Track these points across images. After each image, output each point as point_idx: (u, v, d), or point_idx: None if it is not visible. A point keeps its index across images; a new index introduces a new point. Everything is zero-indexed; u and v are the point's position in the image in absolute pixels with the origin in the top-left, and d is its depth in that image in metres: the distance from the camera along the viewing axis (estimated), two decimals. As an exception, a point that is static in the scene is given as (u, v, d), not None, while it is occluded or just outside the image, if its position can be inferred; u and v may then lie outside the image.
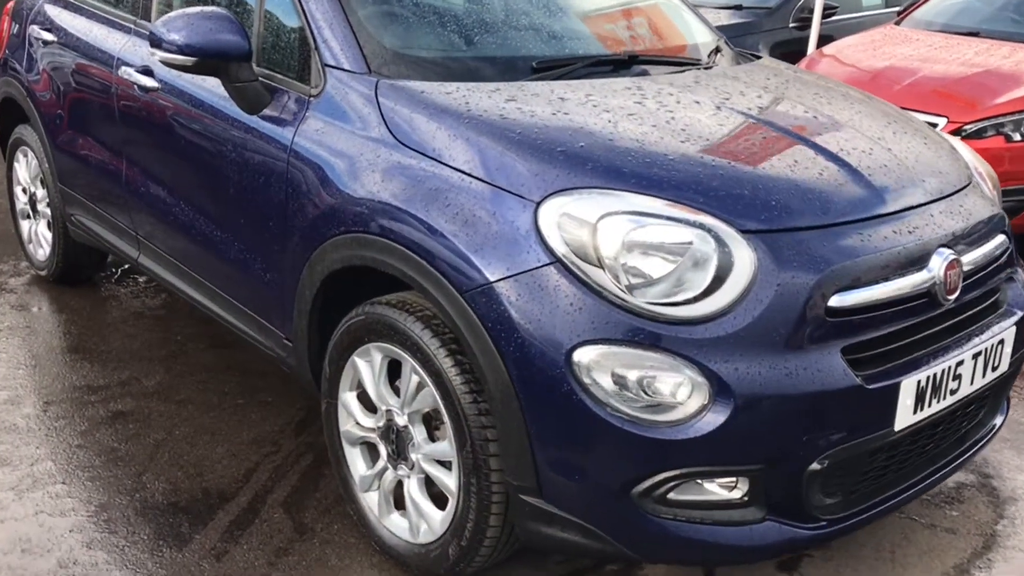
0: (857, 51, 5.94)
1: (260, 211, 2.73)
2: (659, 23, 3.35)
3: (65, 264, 4.27)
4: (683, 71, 2.89)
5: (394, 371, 2.45)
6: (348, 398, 2.57)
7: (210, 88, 2.90)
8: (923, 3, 6.54)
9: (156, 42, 2.70)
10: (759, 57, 3.33)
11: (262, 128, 2.70)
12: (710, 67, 3.00)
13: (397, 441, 2.45)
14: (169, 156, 3.16)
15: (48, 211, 4.22)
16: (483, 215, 2.15)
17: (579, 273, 2.04)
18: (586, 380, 2.00)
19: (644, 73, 2.79)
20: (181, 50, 2.65)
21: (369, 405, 2.53)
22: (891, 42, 5.97)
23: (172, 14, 2.70)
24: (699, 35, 3.31)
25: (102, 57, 3.47)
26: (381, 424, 2.48)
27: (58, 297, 4.27)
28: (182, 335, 3.91)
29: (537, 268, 2.06)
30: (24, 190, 4.42)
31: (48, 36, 3.85)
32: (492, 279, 2.09)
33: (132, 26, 3.40)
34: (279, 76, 2.73)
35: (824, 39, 6.72)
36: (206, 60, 2.65)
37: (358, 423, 2.56)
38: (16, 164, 4.42)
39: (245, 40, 2.66)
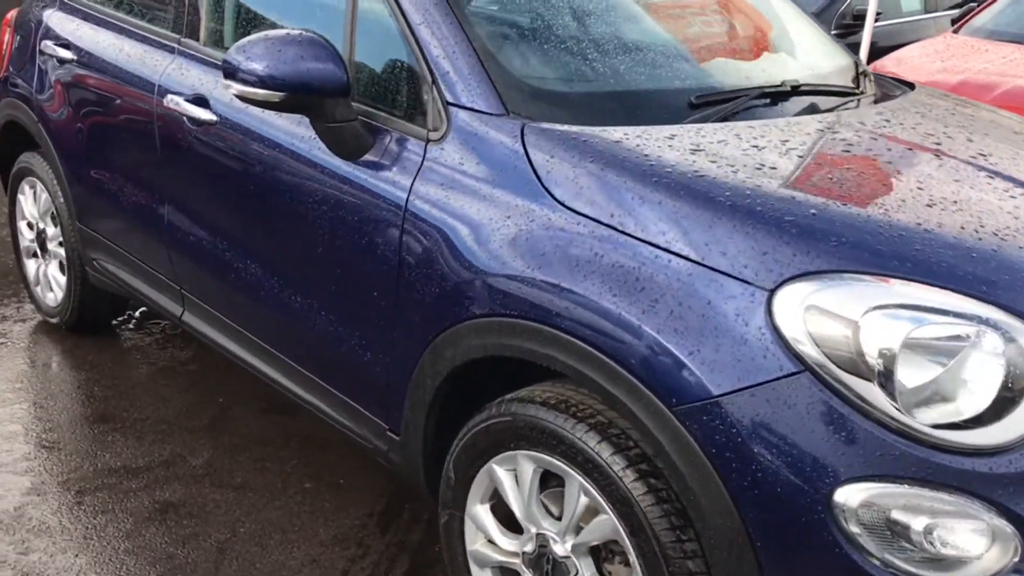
0: (922, 63, 5.54)
1: (361, 278, 2.25)
2: (792, 39, 2.91)
3: (81, 312, 3.74)
4: (854, 103, 2.45)
5: (545, 479, 1.99)
6: (480, 512, 2.08)
7: (286, 127, 2.42)
8: (980, 11, 6.18)
9: (231, 72, 2.21)
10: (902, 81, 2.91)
11: (364, 179, 2.21)
12: (877, 98, 2.57)
13: (553, 574, 1.99)
14: (229, 202, 2.67)
15: (61, 251, 3.70)
16: (694, 305, 1.68)
17: (838, 386, 1.58)
18: (853, 529, 1.55)
19: (818, 108, 2.35)
20: (263, 82, 2.16)
21: (511, 523, 2.07)
22: (958, 53, 5.59)
23: (251, 39, 2.21)
24: (835, 54, 2.87)
25: (138, 81, 2.96)
26: (530, 549, 2.00)
27: (73, 349, 3.75)
28: (224, 396, 3.41)
29: (780, 379, 1.60)
30: (31, 226, 3.89)
31: (65, 53, 3.32)
32: (717, 393, 1.62)
33: (175, 46, 2.89)
34: (383, 115, 2.24)
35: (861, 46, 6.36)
36: (295, 95, 2.17)
37: (495, 544, 2.09)
38: (21, 196, 3.89)
39: (343, 70, 2.18)
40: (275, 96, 2.17)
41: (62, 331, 3.86)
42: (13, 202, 3.95)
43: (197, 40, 2.83)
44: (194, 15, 2.86)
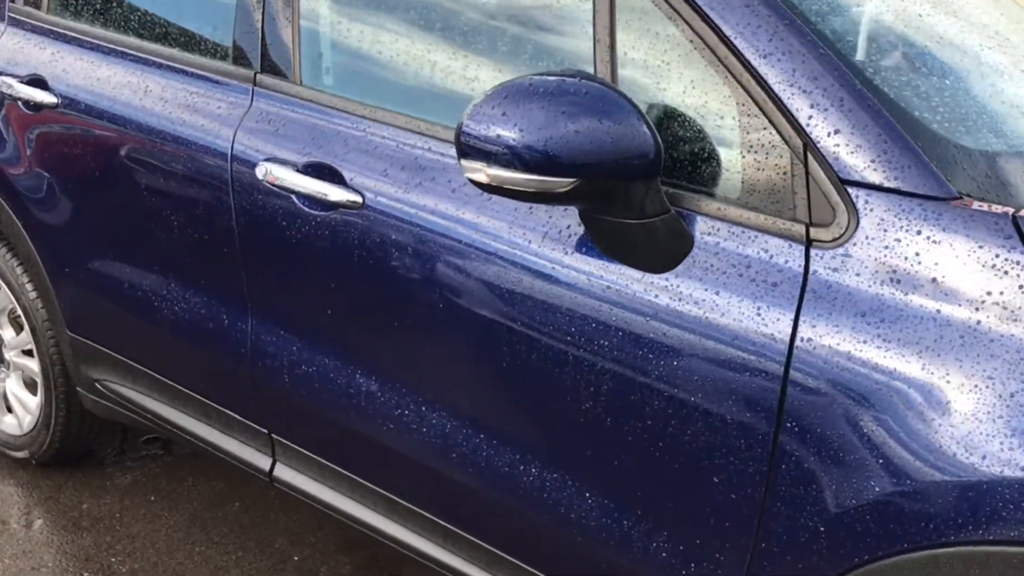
0: None
1: (683, 460, 1.45)
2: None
3: (64, 444, 2.75)
4: None
5: None
6: None
7: (500, 217, 1.59)
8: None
9: (475, 148, 1.37)
10: None
11: (690, 310, 1.40)
12: None
13: None
14: (382, 315, 1.77)
15: (28, 364, 2.70)
16: None
17: None
18: None
19: None
20: (538, 164, 1.32)
21: None
22: None
23: (505, 92, 1.36)
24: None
25: (192, 140, 2.00)
26: None
27: (56, 495, 2.72)
28: (296, 550, 2.53)
29: None
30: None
31: (42, 96, 2.30)
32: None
33: (249, 85, 1.98)
34: (704, 200, 1.44)
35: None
36: (594, 181, 1.36)
37: None
38: (-48, 286, 2.85)
39: (653, 136, 1.38)
40: (562, 184, 1.34)
41: (30, 468, 2.85)
42: (-60, 293, 2.90)
43: (284, 77, 1.93)
44: (278, 41, 1.96)
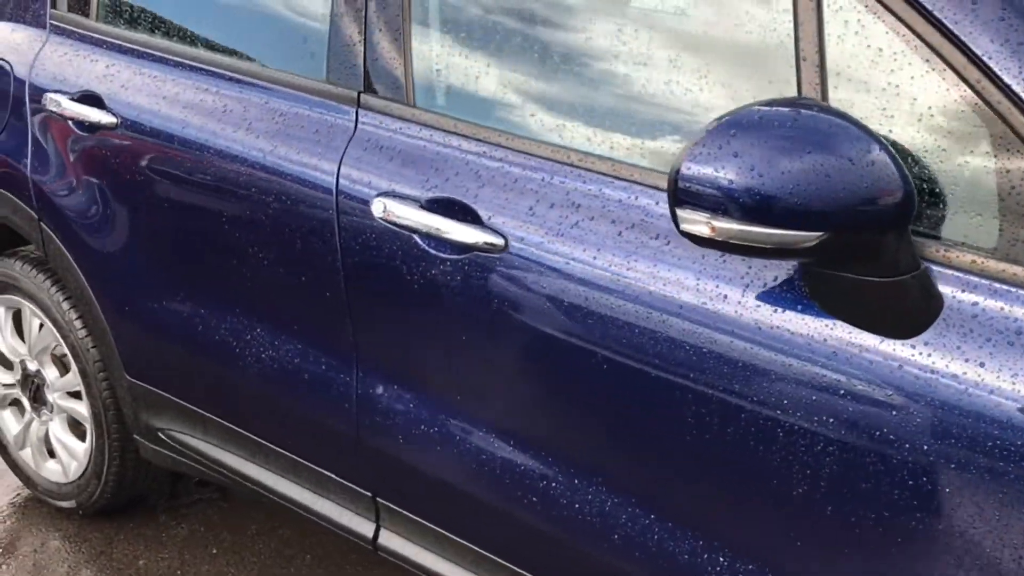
0: None
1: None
2: None
3: (117, 494, 2.50)
4: None
5: None
6: None
7: (682, 263, 1.34)
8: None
9: (697, 196, 1.13)
10: None
11: (948, 383, 1.16)
12: None
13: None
14: (535, 385, 1.54)
15: (78, 409, 2.42)
16: None
17: None
18: None
19: None
20: (786, 213, 1.10)
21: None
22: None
23: (727, 127, 1.12)
24: None
25: (288, 171, 1.74)
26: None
27: (108, 549, 2.44)
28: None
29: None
30: (9, 365, 2.57)
31: (99, 115, 2.03)
32: None
33: (351, 107, 1.72)
34: (968, 256, 1.20)
35: None
36: (844, 233, 1.13)
37: None
38: (-17, 321, 2.58)
39: (904, 175, 1.16)
40: (808, 239, 1.11)
41: (75, 518, 2.61)
42: (-30, 328, 2.63)
43: (401, 99, 1.66)
44: (384, 55, 1.72)
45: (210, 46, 1.97)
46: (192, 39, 2.00)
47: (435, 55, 1.67)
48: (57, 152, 2.14)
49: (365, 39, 1.71)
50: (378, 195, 1.63)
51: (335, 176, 1.69)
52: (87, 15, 2.18)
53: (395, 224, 1.60)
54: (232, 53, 1.93)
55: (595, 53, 1.52)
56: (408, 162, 1.63)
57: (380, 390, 1.74)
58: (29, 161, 2.19)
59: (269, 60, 1.88)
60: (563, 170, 1.48)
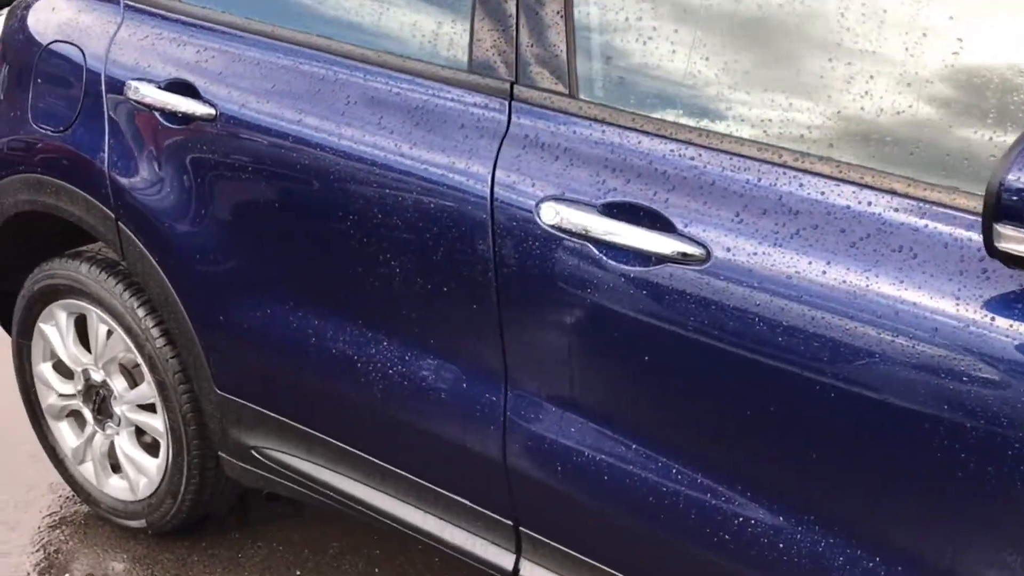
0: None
1: None
2: None
3: (192, 514, 2.32)
4: None
5: None
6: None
7: (935, 279, 1.18)
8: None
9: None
10: None
11: None
12: None
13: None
14: (740, 413, 1.36)
15: (150, 423, 2.23)
16: None
17: None
18: None
19: None
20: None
21: None
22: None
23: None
24: None
25: (425, 174, 1.57)
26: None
27: (182, 572, 2.26)
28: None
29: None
30: (67, 373, 2.37)
31: (196, 108, 1.83)
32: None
33: (503, 100, 1.53)
34: None
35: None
36: None
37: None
38: (43, 326, 2.37)
39: None
40: None
41: (142, 537, 2.42)
42: (28, 332, 2.42)
43: (563, 90, 1.48)
44: (542, 40, 1.54)
45: (324, 28, 1.79)
46: (302, 20, 1.82)
47: (604, 37, 1.50)
48: (141, 146, 1.95)
49: (517, 21, 1.54)
50: (544, 200, 1.46)
51: (489, 179, 1.51)
52: (169, -7, 2.00)
53: (566, 232, 1.43)
54: (351, 37, 1.75)
55: (813, 31, 1.36)
56: (577, 162, 1.46)
57: (534, 413, 1.58)
58: (106, 155, 2.00)
59: (396, 46, 1.70)
60: (774, 172, 1.32)
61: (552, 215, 1.43)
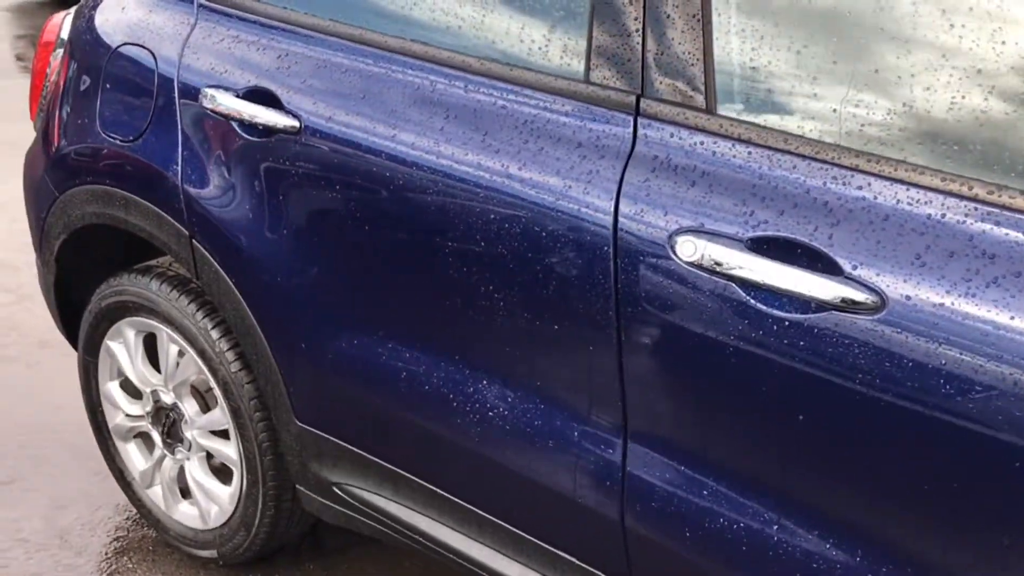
0: None
1: None
2: None
3: (267, 545, 2.18)
4: None
5: None
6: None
7: None
8: None
9: None
10: None
11: None
12: None
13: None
14: (921, 486, 1.17)
15: (223, 450, 2.08)
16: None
17: None
18: None
19: None
20: None
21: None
22: None
23: None
24: None
25: (536, 199, 1.39)
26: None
27: None
28: None
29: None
30: (134, 392, 2.24)
31: (278, 119, 1.66)
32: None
33: (628, 115, 1.33)
34: None
35: None
36: None
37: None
38: (111, 343, 2.25)
39: None
40: None
41: (212, 567, 2.30)
42: (91, 349, 2.31)
43: (698, 104, 1.30)
44: (672, 48, 1.36)
45: (420, 33, 1.62)
46: (395, 24, 1.65)
47: (748, 46, 1.31)
48: (218, 159, 1.80)
49: (644, 24, 1.35)
50: (679, 232, 1.27)
51: (612, 206, 1.33)
52: (248, -7, 1.84)
53: (707, 270, 1.25)
54: (450, 43, 1.57)
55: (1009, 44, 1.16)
56: (718, 189, 1.27)
57: (658, 470, 1.40)
58: (180, 168, 1.85)
59: (501, 53, 1.51)
60: (961, 208, 1.13)
61: (690, 250, 1.25)
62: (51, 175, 2.15)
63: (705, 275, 1.25)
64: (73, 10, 2.23)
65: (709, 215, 1.26)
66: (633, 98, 1.36)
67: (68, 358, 3.03)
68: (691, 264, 1.26)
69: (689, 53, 1.32)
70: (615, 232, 1.33)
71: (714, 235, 1.25)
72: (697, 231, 1.26)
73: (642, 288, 1.31)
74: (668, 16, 1.33)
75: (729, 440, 1.32)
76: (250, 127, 1.73)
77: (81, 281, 2.27)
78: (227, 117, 1.76)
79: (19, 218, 4.20)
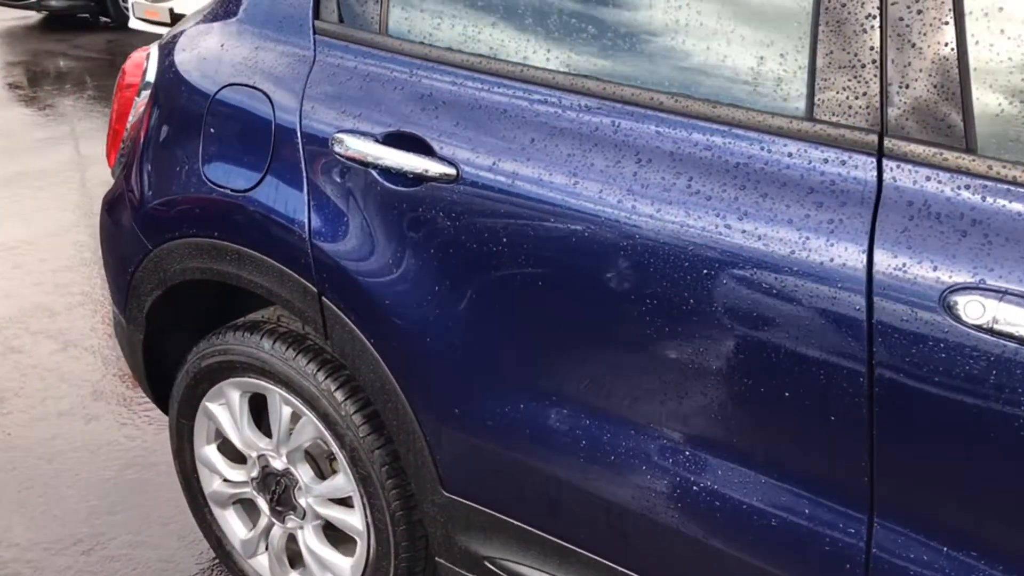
0: None
1: None
2: None
3: (394, 620, 2.04)
4: None
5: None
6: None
7: None
8: None
9: None
10: None
11: None
12: None
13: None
14: None
15: (344, 519, 1.90)
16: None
17: None
18: None
19: None
20: None
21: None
22: None
23: None
24: None
25: (762, 257, 1.24)
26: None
27: None
28: None
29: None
30: (239, 456, 2.09)
31: (430, 166, 1.50)
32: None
33: (869, 158, 1.20)
34: None
35: None
36: None
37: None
38: (210, 405, 2.05)
39: None
40: None
41: (329, 639, 2.14)
42: (191, 411, 2.13)
43: (954, 145, 1.15)
44: (921, 78, 1.21)
45: (593, 67, 1.46)
46: (559, 57, 1.50)
47: (1015, 77, 1.17)
48: (352, 209, 1.63)
49: (882, 53, 1.21)
50: (955, 289, 1.13)
51: (864, 260, 1.19)
52: (380, 27, 1.68)
53: (1004, 335, 1.11)
54: (632, 78, 1.42)
55: None
56: (998, 241, 1.13)
57: (914, 553, 1.26)
58: (307, 220, 1.69)
59: (700, 88, 1.36)
60: None
61: (978, 312, 1.11)
62: (141, 227, 1.98)
63: (990, 337, 1.11)
64: (154, 48, 2.06)
65: (992, 269, 1.12)
66: (874, 137, 1.21)
67: (125, 409, 2.87)
68: (979, 327, 1.11)
69: (940, 85, 1.17)
70: (869, 290, 1.18)
71: (1002, 293, 1.11)
72: (980, 289, 1.12)
73: (906, 352, 1.16)
74: (915, 45, 1.19)
75: (999, 518, 1.18)
76: (395, 175, 1.56)
77: (170, 339, 2.11)
78: (365, 164, 1.60)
79: (49, 258, 4.02)
